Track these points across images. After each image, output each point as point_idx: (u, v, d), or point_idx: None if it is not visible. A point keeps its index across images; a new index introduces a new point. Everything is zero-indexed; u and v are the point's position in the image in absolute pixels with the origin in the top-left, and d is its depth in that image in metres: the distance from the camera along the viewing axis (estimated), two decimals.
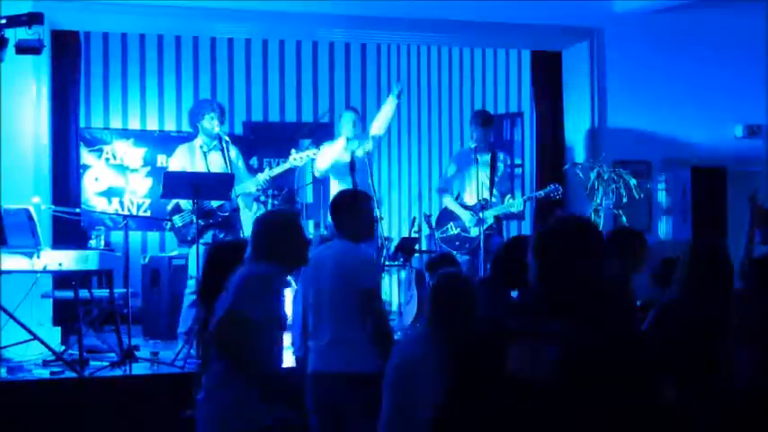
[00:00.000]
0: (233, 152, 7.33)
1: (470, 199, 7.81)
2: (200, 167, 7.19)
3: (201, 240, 6.78)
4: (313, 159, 7.73)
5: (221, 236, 7.13)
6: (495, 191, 7.77)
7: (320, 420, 4.56)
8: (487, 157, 7.77)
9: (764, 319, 3.78)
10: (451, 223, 7.84)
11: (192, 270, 6.97)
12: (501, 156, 8.03)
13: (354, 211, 4.76)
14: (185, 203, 7.07)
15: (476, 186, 7.64)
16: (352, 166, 7.42)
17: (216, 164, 7.23)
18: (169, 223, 7.28)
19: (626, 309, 4.12)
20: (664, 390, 2.58)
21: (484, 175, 7.68)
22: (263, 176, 7.35)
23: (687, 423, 3.29)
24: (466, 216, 7.76)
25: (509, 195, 7.95)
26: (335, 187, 7.71)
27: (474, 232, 7.67)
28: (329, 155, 7.72)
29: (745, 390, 3.63)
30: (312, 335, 4.67)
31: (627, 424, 2.48)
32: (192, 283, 7.08)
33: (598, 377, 2.47)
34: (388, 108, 7.93)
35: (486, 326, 2.75)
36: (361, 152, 7.69)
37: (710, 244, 4.28)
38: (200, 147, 7.28)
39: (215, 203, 7.12)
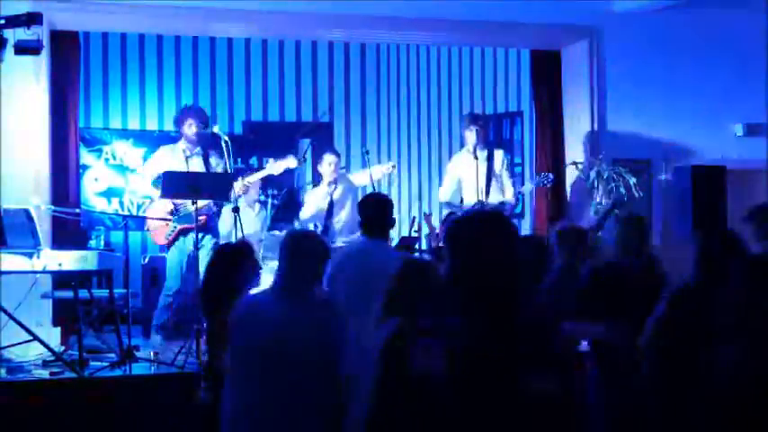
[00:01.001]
0: (213, 159, 7.49)
1: (471, 199, 7.87)
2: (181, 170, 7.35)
3: (179, 243, 7.16)
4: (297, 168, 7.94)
5: (199, 237, 7.19)
6: (491, 190, 7.79)
7: None
8: (484, 156, 7.78)
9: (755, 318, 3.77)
10: None
11: (170, 272, 7.24)
12: (499, 153, 8.05)
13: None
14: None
15: (474, 188, 7.71)
16: (329, 211, 7.67)
17: (197, 169, 7.38)
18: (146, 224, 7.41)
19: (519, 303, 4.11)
20: (542, 381, 2.56)
21: (481, 174, 7.71)
22: (237, 185, 7.50)
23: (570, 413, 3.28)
24: None
25: (510, 191, 7.99)
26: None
27: None
28: (313, 204, 7.94)
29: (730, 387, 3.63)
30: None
31: (513, 415, 2.49)
32: (168, 285, 7.38)
33: (481, 371, 2.48)
34: (380, 171, 8.02)
35: (400, 325, 2.77)
36: (338, 194, 7.87)
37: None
38: (183, 151, 7.44)
39: (191, 207, 7.17)
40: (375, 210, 5.02)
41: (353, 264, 4.82)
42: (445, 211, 8.13)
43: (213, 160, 7.52)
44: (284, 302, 3.83)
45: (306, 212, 8.01)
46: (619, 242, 5.08)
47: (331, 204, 7.82)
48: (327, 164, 7.90)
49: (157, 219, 7.54)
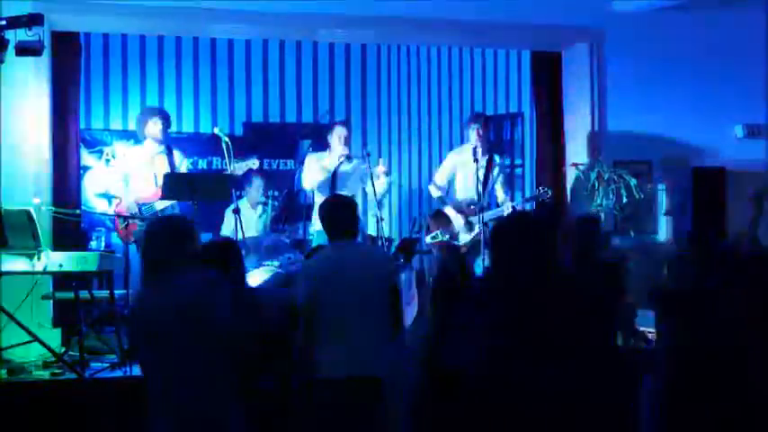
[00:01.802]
0: (177, 158, 7.76)
1: (461, 195, 7.90)
2: (147, 173, 7.61)
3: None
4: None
5: None
6: (485, 192, 7.80)
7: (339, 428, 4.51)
8: (485, 160, 7.81)
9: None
10: (440, 230, 7.85)
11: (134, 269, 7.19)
12: (497, 159, 8.07)
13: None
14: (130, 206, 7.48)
15: (470, 185, 7.74)
16: (332, 184, 7.60)
17: (162, 168, 7.59)
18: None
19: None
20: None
21: (478, 175, 7.74)
22: None
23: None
24: (458, 222, 7.78)
25: (505, 197, 7.99)
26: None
27: (462, 239, 7.73)
28: (315, 171, 7.82)
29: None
30: (331, 339, 4.56)
31: (546, 409, 2.50)
32: None
33: (515, 366, 2.50)
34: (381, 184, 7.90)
35: (438, 323, 2.81)
36: (348, 168, 7.79)
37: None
38: (149, 151, 7.67)
39: (159, 207, 7.51)
40: (334, 212, 4.91)
41: (329, 273, 4.68)
42: (437, 193, 8.11)
43: (177, 159, 7.75)
44: (151, 291, 3.77)
45: (308, 181, 7.87)
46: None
47: (334, 177, 7.70)
48: (337, 136, 7.84)
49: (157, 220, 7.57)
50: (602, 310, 3.68)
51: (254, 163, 7.85)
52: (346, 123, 8.25)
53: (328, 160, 7.86)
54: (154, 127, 7.70)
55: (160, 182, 7.59)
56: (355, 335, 4.52)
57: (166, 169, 7.65)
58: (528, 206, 8.39)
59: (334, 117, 10.63)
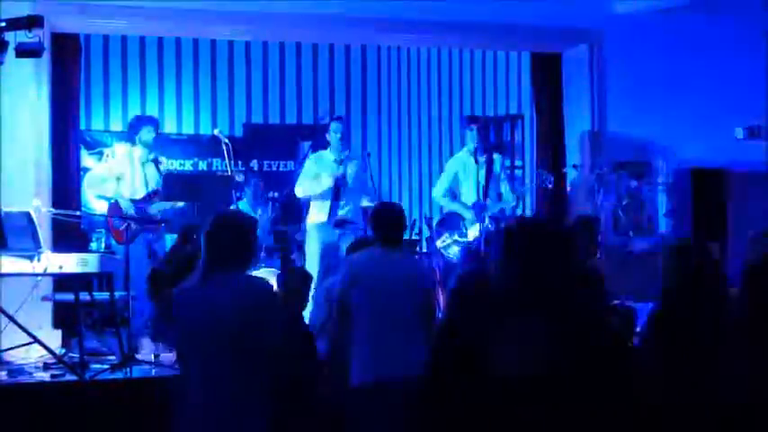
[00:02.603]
0: (162, 166, 7.99)
1: (468, 202, 7.87)
2: (138, 176, 7.68)
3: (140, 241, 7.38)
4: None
5: (153, 239, 7.67)
6: (491, 193, 7.81)
7: None
8: (483, 160, 7.82)
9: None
10: (447, 233, 7.86)
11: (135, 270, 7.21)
12: (497, 158, 8.06)
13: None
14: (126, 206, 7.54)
15: (473, 188, 7.73)
16: (335, 192, 7.61)
17: (151, 175, 7.73)
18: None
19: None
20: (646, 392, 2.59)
21: (479, 177, 7.74)
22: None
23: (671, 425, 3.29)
24: (467, 214, 7.78)
25: (508, 192, 8.01)
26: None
27: (471, 234, 7.73)
28: (312, 173, 7.79)
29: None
30: (368, 341, 4.72)
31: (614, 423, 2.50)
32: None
33: (583, 375, 2.49)
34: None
35: (468, 328, 2.77)
36: (350, 171, 7.77)
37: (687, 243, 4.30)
38: (139, 157, 7.71)
39: (154, 210, 7.63)
40: (389, 220, 5.07)
41: (375, 273, 4.86)
42: (446, 207, 8.09)
43: (162, 166, 7.97)
44: (210, 288, 3.72)
45: (302, 189, 7.81)
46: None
47: (339, 182, 7.68)
48: (333, 131, 7.84)
49: (158, 221, 7.59)
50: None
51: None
52: (342, 119, 8.22)
53: (331, 159, 7.81)
54: (147, 135, 7.78)
55: (151, 186, 7.73)
56: (390, 337, 4.70)
57: (155, 176, 7.79)
58: (530, 192, 8.43)
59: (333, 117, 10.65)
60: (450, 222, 7.90)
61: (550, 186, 7.98)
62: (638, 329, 5.30)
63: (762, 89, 8.61)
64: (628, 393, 2.59)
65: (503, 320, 2.63)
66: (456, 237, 7.81)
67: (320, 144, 8.28)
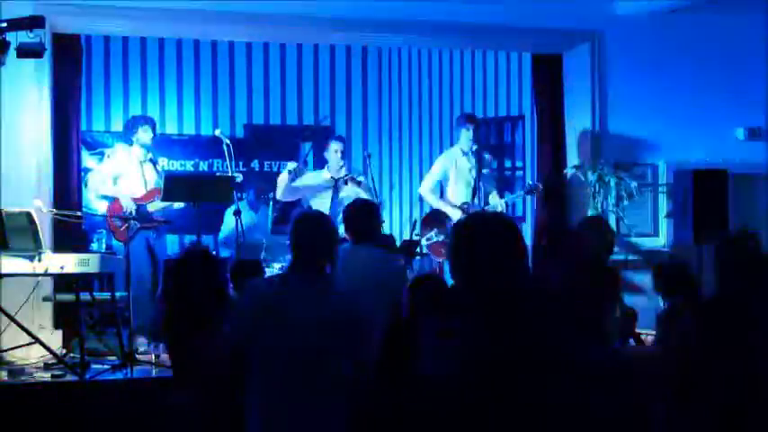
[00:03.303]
0: (159, 166, 8.17)
1: (454, 199, 7.90)
2: (136, 176, 7.76)
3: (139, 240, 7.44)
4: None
5: (153, 237, 7.72)
6: (478, 192, 7.80)
7: None
8: (475, 159, 7.81)
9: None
10: (435, 230, 7.85)
11: (139, 270, 7.26)
12: (486, 157, 8.06)
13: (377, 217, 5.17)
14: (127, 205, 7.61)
15: (463, 187, 7.78)
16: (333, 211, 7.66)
17: (150, 174, 7.80)
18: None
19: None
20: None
21: (470, 176, 7.73)
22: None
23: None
24: (455, 213, 7.78)
25: (494, 194, 7.98)
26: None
27: None
28: (307, 180, 7.96)
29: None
30: None
31: (529, 421, 2.45)
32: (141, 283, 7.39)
33: (494, 375, 2.44)
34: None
35: (407, 326, 2.77)
36: (346, 194, 7.82)
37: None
38: (137, 157, 7.80)
39: (152, 209, 7.70)
40: (360, 215, 5.13)
41: (348, 271, 4.80)
42: (433, 204, 8.08)
43: (159, 167, 8.07)
44: (304, 292, 3.66)
45: (280, 191, 7.92)
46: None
47: (335, 204, 7.77)
48: (334, 150, 7.89)
49: (158, 221, 7.59)
50: (585, 315, 3.65)
51: (288, 166, 7.96)
52: (343, 138, 8.27)
53: (327, 174, 7.94)
54: (144, 135, 7.83)
55: (150, 186, 7.75)
56: None
57: (154, 176, 7.84)
58: (520, 201, 8.43)
59: (335, 119, 10.66)
60: (436, 220, 7.88)
61: (539, 191, 7.97)
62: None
63: (762, 90, 8.61)
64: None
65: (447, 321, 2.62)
66: (443, 237, 7.80)
67: (321, 146, 8.31)
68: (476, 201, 7.79)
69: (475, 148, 7.77)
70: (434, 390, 2.50)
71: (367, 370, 3.60)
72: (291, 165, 7.92)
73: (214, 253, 8.86)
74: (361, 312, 3.69)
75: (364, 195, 7.90)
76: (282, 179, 7.92)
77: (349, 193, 7.82)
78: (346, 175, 7.85)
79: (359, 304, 3.72)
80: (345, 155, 8.14)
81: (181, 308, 4.32)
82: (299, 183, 7.94)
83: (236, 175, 7.72)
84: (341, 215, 7.58)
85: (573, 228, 6.60)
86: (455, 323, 2.58)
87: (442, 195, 8.11)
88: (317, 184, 7.91)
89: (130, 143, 7.88)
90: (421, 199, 10.30)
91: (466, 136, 7.89)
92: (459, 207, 7.82)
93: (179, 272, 4.46)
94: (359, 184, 7.78)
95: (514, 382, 2.45)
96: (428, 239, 7.86)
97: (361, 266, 4.84)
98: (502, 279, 2.58)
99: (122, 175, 7.78)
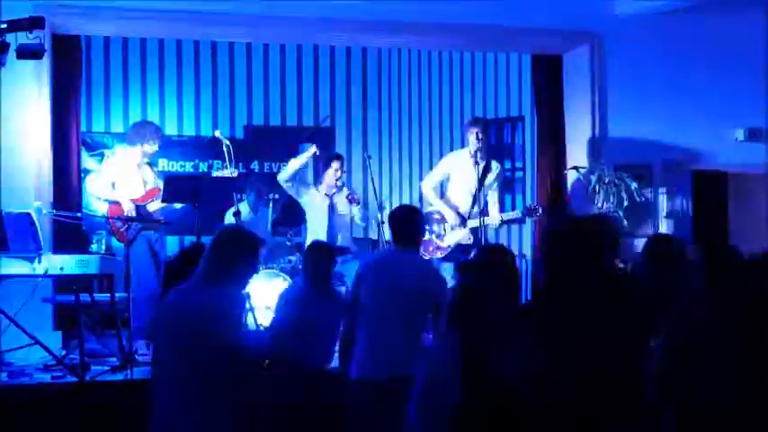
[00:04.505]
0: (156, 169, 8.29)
1: (453, 201, 7.89)
2: (135, 177, 7.74)
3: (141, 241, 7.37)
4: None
5: (154, 239, 7.72)
6: (479, 199, 7.75)
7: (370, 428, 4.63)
8: (481, 166, 7.71)
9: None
10: (426, 228, 7.85)
11: (142, 270, 7.28)
12: (494, 165, 7.94)
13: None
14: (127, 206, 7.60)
15: (465, 192, 7.77)
16: (330, 220, 7.87)
17: (149, 176, 7.82)
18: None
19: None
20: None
21: (472, 182, 7.69)
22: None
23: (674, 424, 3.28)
24: (451, 216, 7.76)
25: (492, 205, 7.91)
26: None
27: (447, 240, 7.72)
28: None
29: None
30: (370, 341, 4.81)
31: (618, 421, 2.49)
32: (144, 283, 7.39)
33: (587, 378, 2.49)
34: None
35: (494, 329, 2.79)
36: (340, 201, 7.99)
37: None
38: (136, 158, 7.80)
39: (152, 209, 7.74)
40: (404, 220, 5.13)
41: (382, 273, 4.93)
42: (432, 203, 8.07)
43: (160, 167, 8.22)
44: (197, 293, 3.87)
45: (286, 174, 7.98)
46: None
47: (332, 219, 7.92)
48: (334, 169, 7.93)
49: (158, 222, 7.59)
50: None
51: (310, 149, 8.00)
52: (342, 158, 8.29)
53: (320, 196, 8.00)
54: (150, 148, 7.82)
55: (150, 186, 7.77)
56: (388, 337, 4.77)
57: (152, 176, 7.85)
58: (517, 220, 8.36)
59: (335, 120, 10.66)
60: (431, 219, 7.86)
61: (536, 218, 7.95)
62: None
63: (762, 91, 8.61)
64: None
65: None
66: (434, 237, 7.79)
67: (322, 146, 8.32)
68: (475, 210, 7.73)
69: (479, 154, 7.67)
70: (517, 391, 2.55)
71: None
72: (313, 148, 7.95)
73: None
74: None
75: (357, 214, 8.01)
76: (299, 162, 7.96)
77: (344, 209, 7.90)
78: (350, 194, 7.97)
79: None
80: (345, 168, 8.26)
81: None
82: (300, 185, 7.99)
83: (232, 171, 7.73)
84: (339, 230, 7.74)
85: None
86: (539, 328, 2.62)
87: (442, 195, 8.09)
88: (312, 202, 8.01)
89: (133, 144, 7.84)
90: (421, 199, 10.32)
91: (471, 140, 7.83)
92: (458, 214, 7.79)
93: (175, 268, 4.52)
94: (359, 203, 7.92)
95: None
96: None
97: (407, 271, 4.91)
98: (593, 277, 2.65)
99: (121, 179, 7.76)
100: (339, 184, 8.03)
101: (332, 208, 7.95)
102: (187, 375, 3.74)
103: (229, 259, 3.94)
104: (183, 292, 3.93)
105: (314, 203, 7.99)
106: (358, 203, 7.95)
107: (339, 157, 8.22)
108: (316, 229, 7.90)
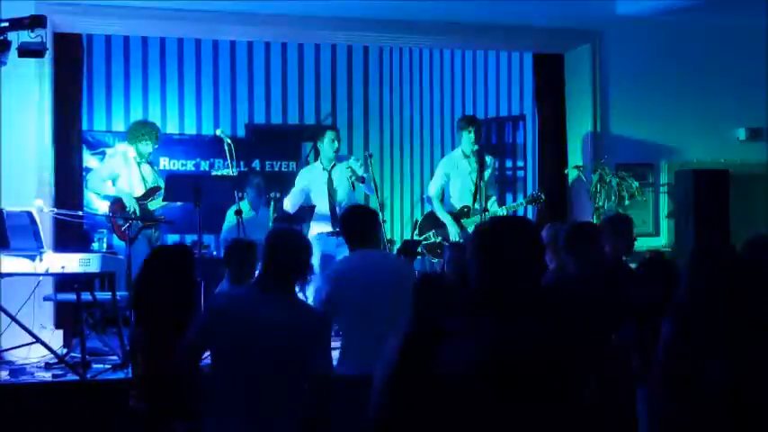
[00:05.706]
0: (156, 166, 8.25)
1: (455, 201, 7.89)
2: (135, 175, 7.74)
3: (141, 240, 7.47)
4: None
5: (156, 236, 7.76)
6: (480, 196, 7.76)
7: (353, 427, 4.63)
8: (476, 162, 7.77)
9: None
10: (433, 231, 7.85)
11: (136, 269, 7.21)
12: (489, 160, 7.99)
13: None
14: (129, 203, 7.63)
15: (464, 190, 7.76)
16: (330, 194, 7.78)
17: (147, 173, 7.83)
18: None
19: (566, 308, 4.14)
20: (585, 390, 2.58)
21: (470, 179, 7.72)
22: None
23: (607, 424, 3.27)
24: (452, 228, 7.78)
25: (494, 200, 7.92)
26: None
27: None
28: (304, 183, 7.98)
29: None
30: (355, 338, 4.78)
31: (545, 424, 2.49)
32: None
33: (516, 376, 2.49)
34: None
35: (422, 325, 2.79)
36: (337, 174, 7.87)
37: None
38: (134, 158, 7.80)
39: (152, 207, 7.76)
40: (365, 221, 5.08)
41: (365, 273, 4.86)
42: (436, 211, 8.06)
43: (161, 166, 8.22)
44: (266, 300, 3.80)
45: (289, 204, 7.94)
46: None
47: (330, 183, 7.82)
48: (330, 140, 7.88)
49: (159, 220, 7.60)
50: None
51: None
52: (336, 129, 8.27)
53: (318, 169, 7.94)
54: (144, 147, 7.81)
55: (149, 183, 7.79)
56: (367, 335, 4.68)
57: (152, 175, 7.86)
58: (521, 209, 8.39)
59: (336, 120, 10.66)
60: (435, 222, 7.87)
61: (541, 202, 7.94)
62: None
63: (763, 90, 8.60)
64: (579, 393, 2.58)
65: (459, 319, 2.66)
66: (440, 239, 7.79)
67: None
68: (477, 205, 7.75)
69: (475, 149, 7.74)
70: (447, 387, 2.54)
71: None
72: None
73: (212, 251, 8.91)
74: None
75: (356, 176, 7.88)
76: (293, 194, 7.95)
77: (342, 181, 7.79)
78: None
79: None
80: (341, 144, 8.15)
81: (150, 304, 4.40)
82: (298, 186, 7.97)
83: (232, 171, 7.74)
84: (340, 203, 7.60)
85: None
86: (465, 323, 2.61)
87: (443, 198, 8.08)
88: (312, 178, 7.93)
89: (130, 142, 7.87)
90: (422, 199, 10.33)
91: (467, 138, 7.83)
92: (459, 211, 7.79)
93: (148, 268, 4.51)
94: (362, 180, 7.77)
95: (529, 381, 2.51)
96: (426, 239, 7.85)
97: (374, 270, 4.85)
98: (521, 280, 2.65)
99: (120, 176, 7.77)
100: (336, 155, 7.90)
101: (330, 181, 7.86)
102: (259, 387, 3.69)
103: (291, 264, 3.86)
104: (252, 300, 3.81)
105: (314, 179, 7.94)
106: (362, 182, 7.86)
107: (333, 128, 8.21)
108: (319, 205, 7.87)
